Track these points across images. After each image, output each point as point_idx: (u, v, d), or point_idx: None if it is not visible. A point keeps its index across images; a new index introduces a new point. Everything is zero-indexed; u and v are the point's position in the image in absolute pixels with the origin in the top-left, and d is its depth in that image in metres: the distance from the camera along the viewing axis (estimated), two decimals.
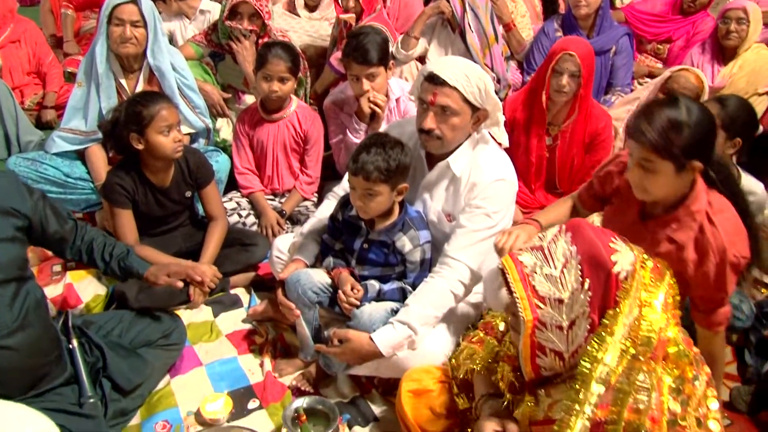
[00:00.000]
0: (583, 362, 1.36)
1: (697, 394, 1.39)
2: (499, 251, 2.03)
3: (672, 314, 1.43)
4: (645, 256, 1.44)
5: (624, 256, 1.39)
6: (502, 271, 1.44)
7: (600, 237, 1.41)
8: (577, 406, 1.34)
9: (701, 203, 1.96)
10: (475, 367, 1.81)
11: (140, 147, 2.61)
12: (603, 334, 1.35)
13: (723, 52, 3.97)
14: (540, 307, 1.37)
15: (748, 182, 2.75)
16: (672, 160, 1.83)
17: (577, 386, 1.35)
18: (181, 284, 2.33)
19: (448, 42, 3.85)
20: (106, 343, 2.24)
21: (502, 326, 1.86)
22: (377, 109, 3.05)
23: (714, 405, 1.43)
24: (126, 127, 2.59)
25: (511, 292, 1.43)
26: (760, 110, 3.78)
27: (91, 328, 2.28)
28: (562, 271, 1.37)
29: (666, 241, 2.00)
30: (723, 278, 1.96)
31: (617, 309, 1.36)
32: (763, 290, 3.13)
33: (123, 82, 3.09)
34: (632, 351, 1.35)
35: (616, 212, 2.21)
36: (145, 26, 2.98)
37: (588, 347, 1.36)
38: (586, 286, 1.36)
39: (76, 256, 2.31)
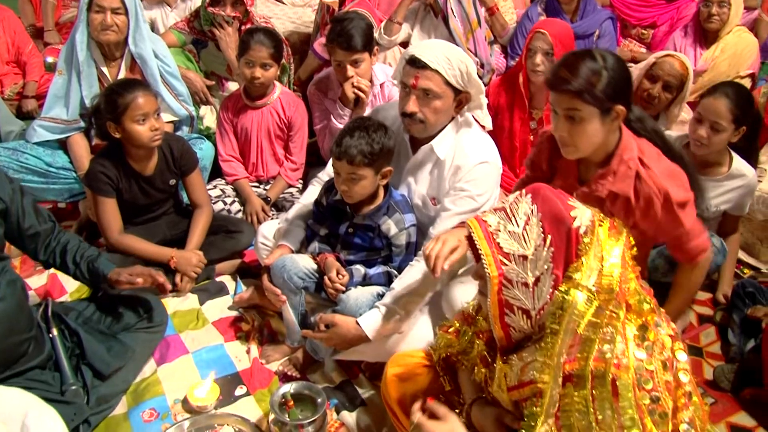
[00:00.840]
0: (549, 313, 1.41)
1: (661, 339, 1.42)
2: (426, 258, 2.02)
3: (632, 268, 1.46)
4: (601, 215, 1.48)
5: (583, 213, 1.44)
6: (469, 234, 1.47)
7: (559, 196, 1.45)
8: (548, 360, 1.39)
9: (632, 151, 2.01)
10: (451, 351, 1.83)
11: (118, 136, 2.61)
12: (567, 285, 1.40)
13: (705, 35, 3.98)
14: (505, 264, 1.41)
15: (739, 165, 2.76)
16: (596, 104, 1.87)
17: (547, 339, 1.40)
18: (140, 281, 2.28)
19: (431, 27, 3.84)
20: (84, 330, 2.24)
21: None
22: (361, 95, 3.05)
23: (682, 356, 1.46)
24: (104, 115, 2.58)
25: (476, 253, 1.47)
26: None
27: (70, 314, 2.28)
28: (524, 228, 1.41)
29: (609, 196, 2.03)
30: (675, 217, 2.03)
31: (580, 261, 1.40)
32: (746, 270, 3.17)
33: (104, 70, 3.06)
34: (596, 303, 1.39)
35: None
36: (126, 13, 2.95)
37: (553, 300, 1.41)
38: (548, 242, 1.40)
39: (50, 259, 2.30)
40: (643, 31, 4.55)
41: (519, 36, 4.06)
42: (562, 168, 2.11)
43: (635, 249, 1.50)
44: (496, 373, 1.56)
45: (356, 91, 3.05)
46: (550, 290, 1.41)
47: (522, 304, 1.43)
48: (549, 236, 1.40)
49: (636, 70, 3.27)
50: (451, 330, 1.88)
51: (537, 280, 1.41)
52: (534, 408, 1.41)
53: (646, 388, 1.36)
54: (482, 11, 3.92)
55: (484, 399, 1.71)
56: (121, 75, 3.07)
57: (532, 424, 1.40)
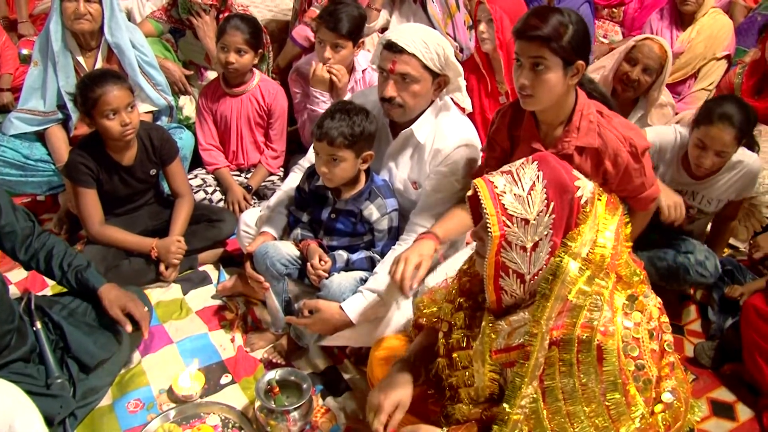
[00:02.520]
0: (542, 278, 1.44)
1: (649, 309, 1.46)
2: (394, 282, 2.03)
3: (624, 244, 1.50)
4: (600, 189, 1.52)
5: (585, 184, 1.48)
6: (474, 194, 1.49)
7: (564, 166, 1.49)
8: (536, 324, 1.42)
9: (590, 107, 2.07)
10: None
11: (93, 129, 2.59)
12: (563, 251, 1.43)
13: (681, 17, 4.01)
14: (508, 226, 1.43)
15: (736, 156, 2.71)
16: (562, 54, 1.90)
17: (537, 302, 1.44)
18: (127, 323, 2.25)
19: (409, 12, 3.82)
20: (69, 322, 2.22)
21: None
22: (334, 78, 3.04)
23: (668, 338, 1.51)
24: (79, 108, 2.57)
25: (477, 213, 1.49)
26: (718, 74, 3.85)
27: (54, 307, 2.25)
28: (529, 193, 1.44)
29: (576, 153, 2.07)
30: (640, 163, 2.10)
31: (578, 230, 1.44)
32: (726, 249, 3.21)
33: (81, 60, 3.01)
34: (588, 272, 1.42)
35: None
36: (100, 2, 2.90)
37: (548, 266, 1.45)
38: (551, 208, 1.43)
39: (33, 262, 2.28)
40: (614, 10, 4.59)
41: None
42: (524, 135, 2.14)
43: (629, 225, 1.54)
44: (481, 335, 1.57)
45: (329, 72, 3.03)
46: (547, 256, 1.45)
47: (518, 267, 1.46)
48: (552, 203, 1.43)
49: (615, 54, 3.29)
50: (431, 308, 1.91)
51: (535, 245, 1.44)
52: (520, 370, 1.44)
53: (631, 355, 1.40)
54: None
55: (403, 363, 1.78)
56: (98, 65, 3.02)
57: (518, 385, 1.44)
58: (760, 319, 2.37)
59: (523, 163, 1.50)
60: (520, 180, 1.46)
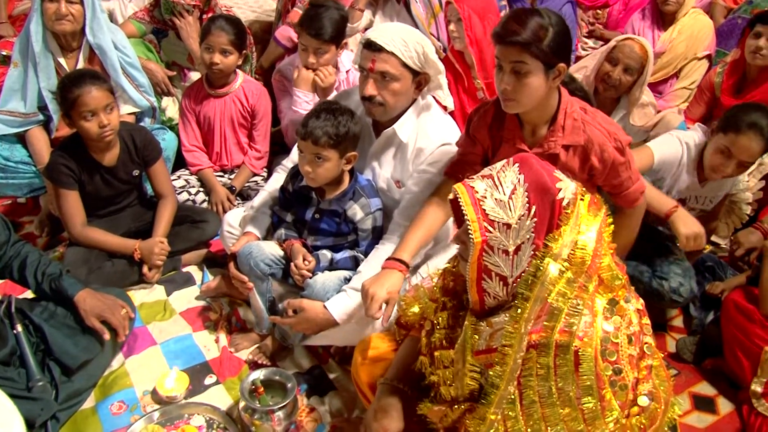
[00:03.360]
0: (523, 280, 1.44)
1: (629, 314, 1.46)
2: (373, 318, 2.04)
3: (607, 245, 1.50)
4: (583, 189, 1.51)
5: (567, 185, 1.47)
6: (455, 198, 1.49)
7: (545, 168, 1.48)
8: (515, 325, 1.43)
9: (574, 105, 2.07)
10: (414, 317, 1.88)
11: (73, 129, 2.58)
12: (544, 253, 1.43)
13: (662, 17, 4.04)
14: (489, 231, 1.43)
15: None
16: (542, 58, 1.89)
17: (517, 304, 1.44)
18: (105, 332, 2.26)
19: (393, 12, 3.83)
20: (50, 324, 2.21)
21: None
22: (317, 79, 3.05)
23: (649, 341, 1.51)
24: (60, 108, 2.56)
25: (459, 218, 1.49)
26: (699, 74, 3.88)
27: (35, 310, 2.24)
28: (510, 197, 1.43)
29: (563, 151, 2.08)
30: (626, 158, 2.11)
31: (559, 231, 1.44)
32: (707, 246, 3.24)
33: (62, 61, 2.99)
34: (569, 275, 1.42)
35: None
36: (82, 2, 2.87)
37: (529, 267, 1.45)
38: (533, 212, 1.43)
39: (6, 271, 2.26)
40: (598, 12, 4.62)
41: None
42: (508, 136, 2.13)
43: (612, 226, 1.54)
44: (462, 336, 1.58)
45: (316, 75, 3.05)
46: (529, 259, 1.45)
47: (501, 270, 1.46)
48: (534, 207, 1.43)
49: (597, 54, 3.31)
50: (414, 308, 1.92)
51: (518, 248, 1.44)
52: (498, 371, 1.44)
53: (609, 360, 1.41)
54: None
55: (392, 386, 1.79)
56: (80, 66, 3.00)
57: (496, 386, 1.44)
58: (739, 314, 2.40)
59: (504, 166, 1.49)
60: (501, 184, 1.45)
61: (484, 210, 1.43)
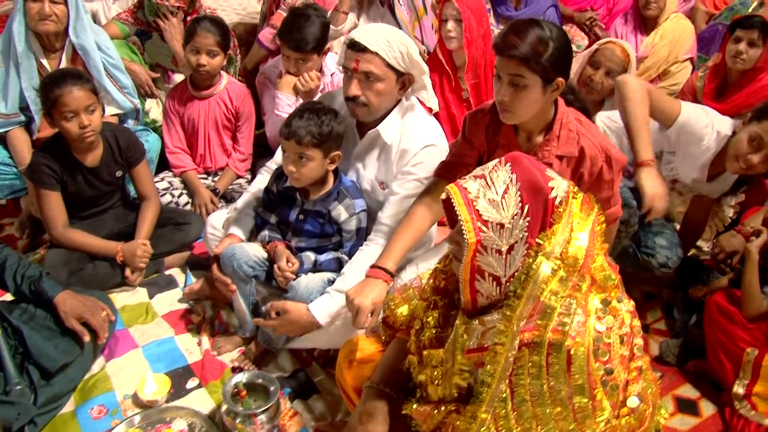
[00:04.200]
0: (516, 279, 1.44)
1: (621, 315, 1.46)
2: (360, 329, 2.04)
3: (600, 244, 1.50)
4: (576, 188, 1.50)
5: (559, 184, 1.46)
6: (448, 198, 1.48)
7: (537, 167, 1.47)
8: (507, 323, 1.42)
9: (570, 116, 2.07)
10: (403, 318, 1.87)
11: (55, 130, 2.56)
12: (537, 251, 1.43)
13: (645, 22, 4.09)
14: (483, 231, 1.42)
15: None
16: (541, 73, 1.89)
17: (510, 302, 1.43)
18: (85, 333, 2.25)
19: (377, 15, 3.84)
20: (29, 327, 2.19)
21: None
22: (298, 84, 3.06)
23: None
24: (42, 107, 2.54)
25: (452, 219, 1.49)
26: (682, 77, 3.92)
27: (14, 312, 2.22)
28: (503, 196, 1.43)
29: (557, 161, 2.07)
30: (612, 177, 2.10)
31: (551, 230, 1.43)
32: (692, 250, 3.26)
33: (44, 61, 2.96)
34: (561, 273, 1.42)
35: None
36: (66, 2, 2.86)
37: (522, 267, 1.44)
38: (525, 211, 1.42)
39: None
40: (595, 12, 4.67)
41: None
42: (503, 142, 2.13)
43: (604, 225, 1.54)
44: (453, 335, 1.57)
45: (298, 80, 3.06)
46: (522, 258, 1.44)
47: (494, 270, 1.45)
48: (527, 206, 1.42)
49: (580, 57, 3.33)
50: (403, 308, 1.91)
51: (510, 248, 1.43)
52: (489, 369, 1.44)
53: (601, 360, 1.40)
54: None
55: (377, 390, 1.77)
56: (62, 67, 2.98)
57: (487, 385, 1.44)
58: (722, 316, 2.41)
59: (495, 166, 1.49)
60: (493, 184, 1.45)
61: (478, 210, 1.43)
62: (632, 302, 1.54)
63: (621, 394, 1.45)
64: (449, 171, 2.21)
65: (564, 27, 4.63)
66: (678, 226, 3.11)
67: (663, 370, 2.57)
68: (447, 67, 3.23)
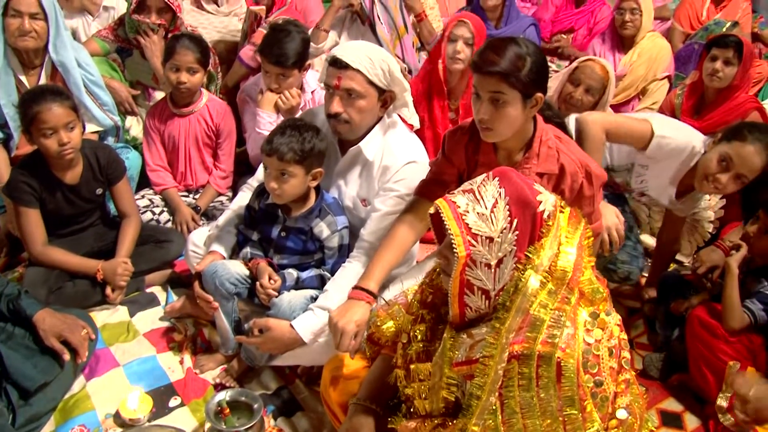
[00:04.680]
0: (505, 292, 1.45)
1: (610, 327, 1.47)
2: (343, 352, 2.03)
3: (587, 259, 1.52)
4: (563, 202, 1.53)
5: (547, 198, 1.49)
6: (436, 212, 1.49)
7: (525, 181, 1.50)
8: (497, 336, 1.42)
9: (549, 133, 2.09)
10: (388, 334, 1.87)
11: (34, 146, 2.53)
12: (525, 264, 1.44)
13: (622, 41, 4.16)
14: (473, 245, 1.43)
15: None
16: (520, 88, 1.90)
17: (499, 314, 1.44)
18: (65, 352, 2.23)
19: (358, 34, 3.87)
20: (8, 346, 2.16)
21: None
22: (279, 103, 3.07)
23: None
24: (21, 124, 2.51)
25: (441, 233, 1.51)
26: (661, 95, 3.98)
27: None
28: (492, 211, 1.44)
29: (537, 178, 2.07)
30: (592, 192, 2.11)
31: (540, 244, 1.45)
32: (672, 265, 3.29)
33: (23, 78, 2.94)
34: (550, 286, 1.43)
35: None
36: (46, 18, 2.84)
37: (511, 280, 1.46)
38: (514, 225, 1.44)
39: None
40: (563, 36, 4.72)
41: None
42: (483, 160, 2.14)
43: (591, 239, 1.55)
44: (441, 348, 1.57)
45: (279, 98, 3.06)
46: (511, 272, 1.45)
47: (483, 284, 1.46)
48: (515, 220, 1.44)
49: (560, 75, 3.37)
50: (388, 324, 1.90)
51: (500, 261, 1.45)
52: (479, 381, 1.44)
53: (591, 372, 1.42)
54: (409, 18, 3.98)
55: (364, 406, 1.77)
56: (42, 83, 2.96)
57: (477, 397, 1.44)
58: (704, 330, 2.42)
59: (484, 180, 1.50)
60: (482, 198, 1.46)
61: (467, 224, 1.44)
62: (619, 316, 1.55)
63: (610, 407, 1.46)
64: (430, 189, 2.21)
65: (544, 44, 4.70)
66: (643, 235, 3.18)
67: (647, 384, 2.57)
68: (444, 86, 3.25)
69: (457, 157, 2.20)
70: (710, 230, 3.21)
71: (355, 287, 2.10)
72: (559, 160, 2.07)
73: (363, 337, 1.99)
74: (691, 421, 2.44)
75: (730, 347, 2.37)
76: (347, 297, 2.09)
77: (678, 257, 3.35)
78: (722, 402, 2.34)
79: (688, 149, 2.61)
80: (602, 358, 1.43)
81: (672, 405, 2.51)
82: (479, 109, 1.97)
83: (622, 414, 1.47)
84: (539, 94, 1.96)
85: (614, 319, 1.51)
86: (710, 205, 3.15)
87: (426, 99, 3.31)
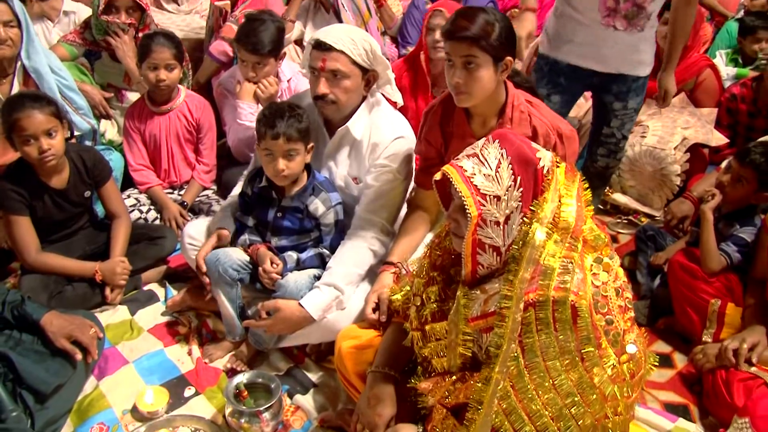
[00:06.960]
0: (514, 245, 1.55)
1: (614, 269, 1.57)
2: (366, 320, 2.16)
3: (586, 209, 1.62)
4: (558, 158, 1.63)
5: (545, 154, 1.60)
6: (440, 180, 1.59)
7: (522, 140, 1.61)
8: (511, 287, 1.51)
9: (521, 98, 2.22)
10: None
11: (18, 154, 2.53)
12: (531, 218, 1.54)
13: None
14: (483, 204, 1.53)
15: None
16: (491, 51, 2.02)
17: (510, 267, 1.53)
18: (77, 352, 2.24)
19: (323, 22, 3.91)
20: (17, 352, 2.16)
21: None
22: (258, 92, 3.11)
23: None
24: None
25: (447, 198, 1.61)
26: None
27: None
28: (497, 171, 1.55)
29: None
30: (564, 151, 2.21)
31: (542, 198, 1.56)
32: (643, 219, 3.46)
33: None
34: (556, 237, 1.53)
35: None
36: (19, 26, 2.83)
37: (519, 234, 1.55)
38: (518, 182, 1.55)
39: None
40: (515, 11, 4.83)
41: (408, 25, 4.22)
42: (457, 131, 2.25)
43: (589, 191, 1.65)
44: (455, 306, 1.66)
45: (257, 87, 3.10)
46: (519, 227, 1.55)
47: (494, 242, 1.56)
48: (519, 177, 1.54)
49: (530, 48, 3.47)
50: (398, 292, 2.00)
51: (507, 218, 1.55)
52: (498, 332, 1.52)
53: (601, 312, 1.51)
54: (371, 2, 4.04)
55: (383, 374, 1.86)
56: (15, 91, 2.93)
57: (498, 346, 1.51)
58: (685, 273, 2.58)
59: (485, 143, 1.60)
60: (486, 160, 1.56)
61: (476, 185, 1.54)
62: (619, 259, 1.66)
63: (620, 343, 1.55)
64: (426, 177, 2.30)
65: None
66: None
67: None
68: (427, 75, 3.32)
69: (433, 135, 2.31)
70: (678, 183, 3.38)
71: (385, 263, 2.28)
72: (532, 123, 2.18)
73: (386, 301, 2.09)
74: (680, 360, 2.60)
75: (710, 286, 2.53)
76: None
77: (649, 211, 3.51)
78: (707, 338, 2.50)
79: None
80: (610, 299, 1.52)
81: (661, 347, 2.65)
82: (453, 75, 2.07)
83: (631, 348, 1.56)
84: (509, 58, 2.07)
85: (617, 261, 1.61)
86: (676, 159, 3.31)
87: (412, 91, 3.37)
